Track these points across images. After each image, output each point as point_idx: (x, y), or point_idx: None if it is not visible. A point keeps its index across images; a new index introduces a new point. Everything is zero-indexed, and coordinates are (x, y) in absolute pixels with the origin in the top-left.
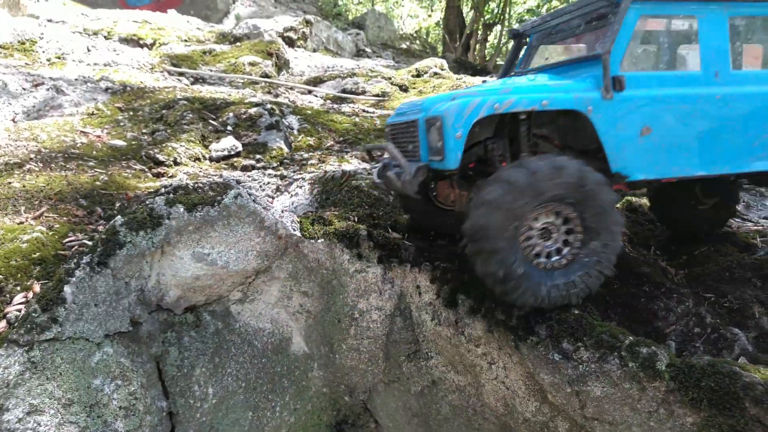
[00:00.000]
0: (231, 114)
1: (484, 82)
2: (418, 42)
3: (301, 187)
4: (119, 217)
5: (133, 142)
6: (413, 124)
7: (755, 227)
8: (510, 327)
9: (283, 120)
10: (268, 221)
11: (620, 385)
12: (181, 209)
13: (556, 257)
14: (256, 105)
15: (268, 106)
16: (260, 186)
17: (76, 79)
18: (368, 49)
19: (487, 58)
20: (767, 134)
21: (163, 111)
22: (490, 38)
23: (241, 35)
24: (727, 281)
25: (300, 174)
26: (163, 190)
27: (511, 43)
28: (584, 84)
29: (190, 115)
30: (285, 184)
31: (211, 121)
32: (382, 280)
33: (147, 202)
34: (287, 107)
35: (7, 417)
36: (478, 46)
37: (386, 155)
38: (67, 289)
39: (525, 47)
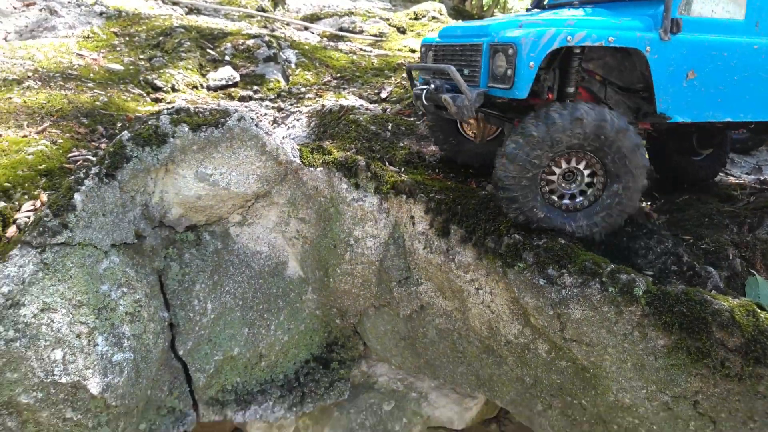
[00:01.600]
0: (229, 44)
1: (525, 11)
2: None
3: (298, 120)
4: (126, 132)
5: (131, 67)
6: (475, 48)
7: (737, 181)
8: (499, 254)
9: (281, 53)
10: (270, 146)
11: (599, 309)
12: (186, 128)
13: (580, 199)
14: (254, 37)
15: (266, 38)
16: (258, 117)
17: (69, 2)
18: None
19: (484, 8)
20: None
21: (160, 38)
22: None
23: None
24: (706, 226)
25: (297, 107)
26: (165, 111)
27: None
28: (644, 23)
29: (188, 44)
30: (282, 117)
31: (208, 50)
32: (378, 210)
33: (150, 120)
34: (285, 41)
35: (23, 311)
36: None
37: (426, 78)
38: (77, 196)
39: None
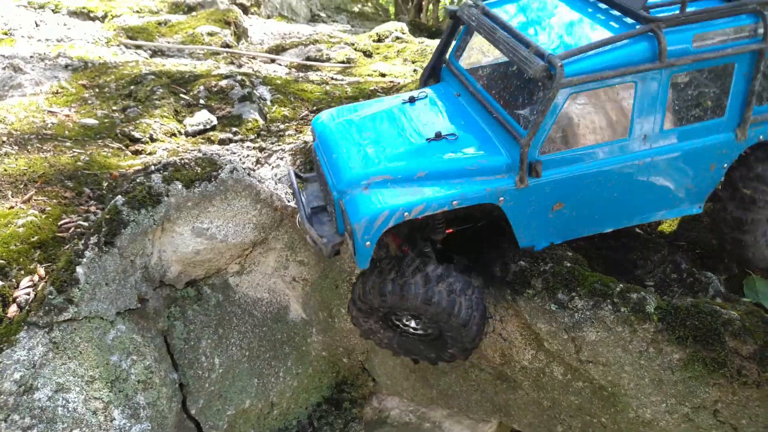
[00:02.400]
0: (202, 87)
1: (411, 100)
2: (370, 4)
3: (281, 159)
4: (120, 196)
5: (105, 120)
6: (330, 193)
7: None
8: (506, 282)
9: (255, 91)
10: (264, 194)
11: (613, 329)
12: (180, 186)
13: None
14: (227, 77)
15: (239, 77)
16: (240, 159)
17: (31, 57)
18: (323, 14)
19: (440, 20)
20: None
21: (132, 87)
22: None
23: (194, 4)
24: (697, 230)
25: (279, 145)
26: (152, 167)
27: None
28: (497, 163)
29: (161, 90)
30: (265, 156)
31: (182, 95)
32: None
33: (141, 180)
34: (256, 77)
35: (38, 395)
36: (431, 7)
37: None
38: (79, 269)
39: (461, 31)
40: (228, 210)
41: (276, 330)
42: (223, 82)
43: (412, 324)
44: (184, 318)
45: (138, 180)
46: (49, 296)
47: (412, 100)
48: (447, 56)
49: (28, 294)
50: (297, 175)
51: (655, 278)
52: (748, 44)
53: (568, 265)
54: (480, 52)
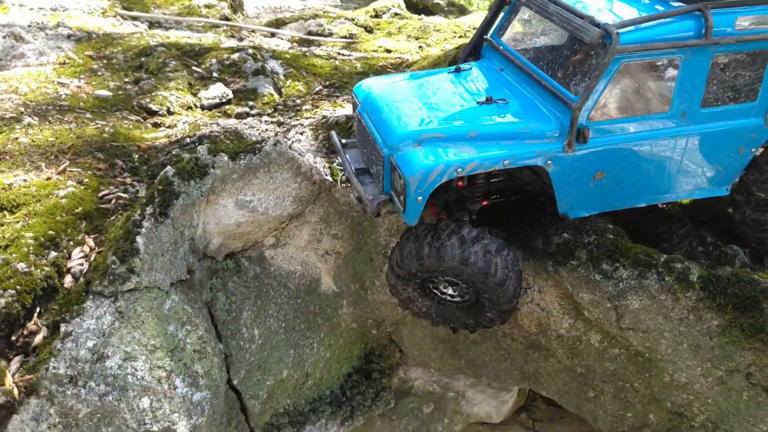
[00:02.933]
0: (214, 60)
1: (458, 69)
2: None
3: (302, 133)
4: (169, 167)
5: (120, 92)
6: (379, 152)
7: None
8: (549, 254)
9: (266, 65)
10: (305, 167)
11: (657, 297)
12: (225, 158)
13: None
14: (238, 50)
15: (250, 51)
16: (259, 133)
17: (29, 26)
18: None
19: None
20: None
21: (142, 59)
22: None
23: None
24: (718, 206)
25: (297, 120)
26: (188, 139)
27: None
28: (547, 127)
29: (173, 63)
30: (283, 131)
31: (194, 67)
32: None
33: (177, 152)
34: (266, 52)
35: (109, 363)
36: None
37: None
38: (139, 239)
39: (506, 10)
40: (270, 183)
41: (309, 302)
42: (236, 55)
43: (450, 291)
44: (225, 290)
45: (173, 152)
46: (113, 266)
47: (458, 70)
48: (489, 35)
49: (82, 264)
50: (339, 140)
51: (682, 251)
52: None
53: (611, 237)
54: (525, 34)
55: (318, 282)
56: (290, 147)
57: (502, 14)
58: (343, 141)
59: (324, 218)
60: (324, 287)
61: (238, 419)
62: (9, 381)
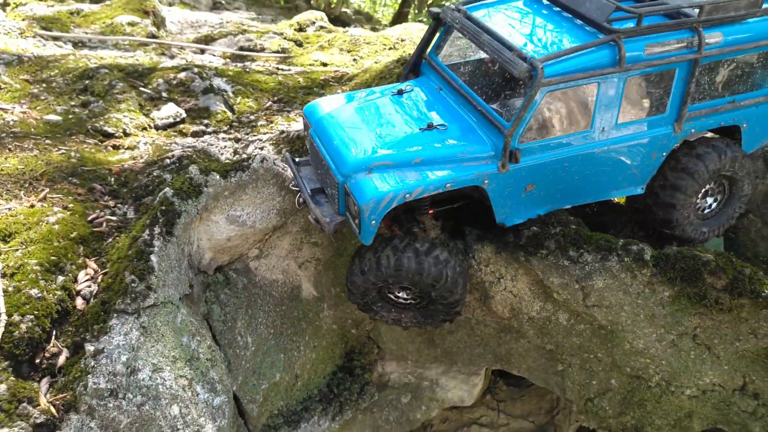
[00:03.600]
0: (161, 80)
1: (400, 92)
2: None
3: (261, 149)
4: (168, 188)
5: (70, 116)
6: (333, 177)
7: None
8: (520, 245)
9: (212, 83)
10: (288, 181)
11: (618, 276)
12: (217, 176)
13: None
14: (184, 69)
15: (195, 69)
16: (219, 150)
17: None
18: (223, 1)
19: (332, 6)
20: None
21: (86, 81)
22: None
23: None
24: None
25: (255, 135)
26: (167, 161)
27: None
28: (483, 151)
29: (120, 84)
30: (242, 147)
31: (141, 88)
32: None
33: (158, 174)
34: (210, 70)
35: (141, 376)
36: None
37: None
38: (153, 258)
39: (441, 30)
40: (257, 197)
41: (292, 308)
42: (182, 75)
43: (403, 295)
44: (218, 302)
45: (154, 173)
46: (132, 284)
47: (400, 92)
48: (427, 53)
49: (90, 286)
50: (292, 160)
51: (625, 236)
52: (686, 54)
53: (574, 227)
54: (460, 51)
55: (299, 288)
56: (274, 163)
57: (437, 33)
58: (297, 160)
59: (304, 227)
60: (305, 293)
61: (239, 423)
62: (44, 401)
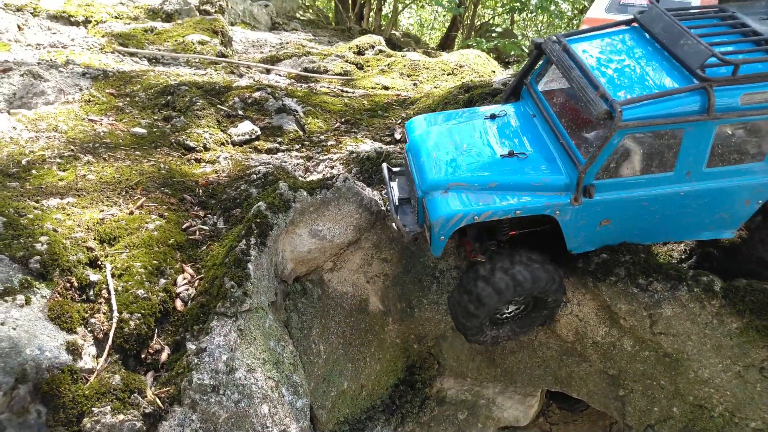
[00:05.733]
0: (237, 98)
1: (492, 117)
2: (311, 11)
3: (332, 168)
4: (262, 202)
5: (154, 129)
6: (414, 191)
7: None
8: (589, 271)
9: (284, 102)
10: (366, 199)
11: (687, 306)
12: (305, 193)
13: None
14: (258, 89)
15: (269, 90)
16: (291, 168)
17: (38, 63)
18: (280, 20)
19: (381, 28)
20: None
21: (168, 97)
22: (384, 7)
23: (172, 11)
24: None
25: (325, 155)
26: (254, 177)
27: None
28: (557, 183)
29: (200, 101)
30: (313, 165)
31: (219, 106)
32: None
33: (245, 188)
34: (281, 90)
35: (238, 375)
36: (373, 14)
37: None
38: (250, 266)
39: (544, 59)
40: (338, 214)
41: (360, 320)
42: (257, 94)
43: (510, 308)
44: (296, 310)
45: (241, 187)
46: (231, 290)
47: (493, 117)
48: (528, 79)
49: (187, 289)
50: (389, 169)
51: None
52: None
53: (643, 255)
54: (558, 81)
55: (366, 302)
56: (355, 183)
57: (540, 61)
58: (394, 170)
59: (376, 244)
60: (372, 306)
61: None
62: (150, 393)
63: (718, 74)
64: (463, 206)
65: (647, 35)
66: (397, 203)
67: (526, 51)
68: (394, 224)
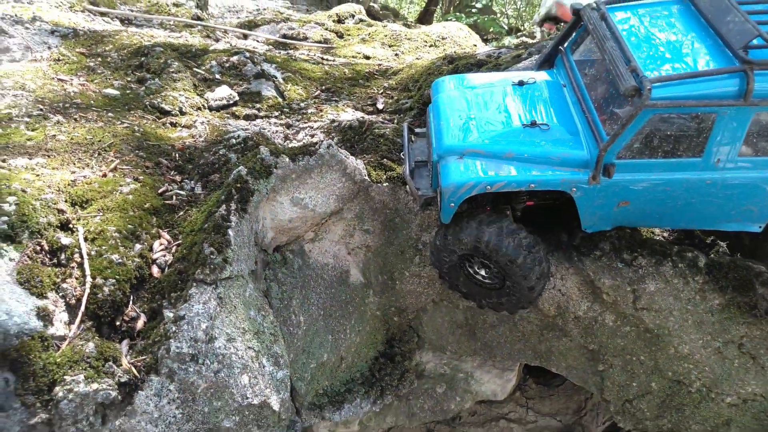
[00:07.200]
0: (213, 62)
1: (521, 83)
2: None
3: (312, 136)
4: (242, 167)
5: (127, 92)
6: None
7: None
8: (573, 246)
9: (263, 68)
10: (350, 168)
11: (671, 281)
12: (287, 159)
13: None
14: (236, 53)
15: (247, 54)
16: (270, 135)
17: (2, 18)
18: None
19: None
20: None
21: (141, 58)
22: None
23: None
24: None
25: (306, 123)
26: (233, 141)
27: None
28: (577, 158)
29: (176, 64)
30: (293, 133)
31: (195, 69)
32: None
33: (224, 153)
34: (259, 55)
35: (217, 344)
36: None
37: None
38: (230, 232)
39: (581, 26)
40: (321, 182)
41: (341, 291)
42: (235, 58)
43: (482, 272)
44: (276, 280)
45: (220, 152)
46: (211, 256)
47: (521, 83)
48: (564, 47)
49: (164, 255)
50: (410, 129)
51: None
52: None
53: (629, 231)
54: (593, 51)
55: (347, 274)
56: (339, 150)
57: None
58: (416, 130)
59: (359, 215)
60: (353, 278)
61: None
62: (125, 362)
63: (762, 57)
64: (476, 175)
65: (693, 8)
66: (413, 165)
67: (505, 28)
68: (408, 188)
